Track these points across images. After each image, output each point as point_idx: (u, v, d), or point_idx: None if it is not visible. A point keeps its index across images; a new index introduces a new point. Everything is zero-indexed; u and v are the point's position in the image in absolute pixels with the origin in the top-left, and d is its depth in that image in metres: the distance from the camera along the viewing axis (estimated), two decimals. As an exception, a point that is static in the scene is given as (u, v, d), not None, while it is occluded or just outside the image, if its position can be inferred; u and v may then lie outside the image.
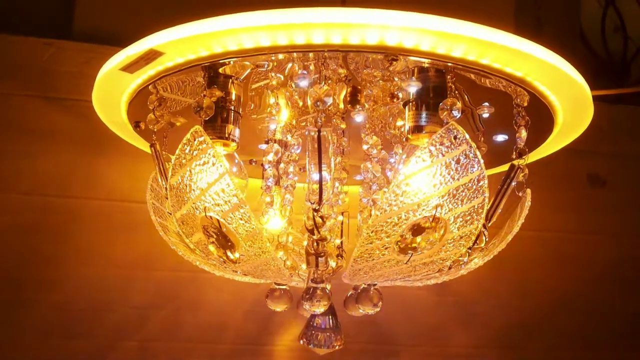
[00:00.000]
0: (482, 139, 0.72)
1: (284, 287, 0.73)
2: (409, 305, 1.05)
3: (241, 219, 0.59)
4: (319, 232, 0.62)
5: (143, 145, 0.84)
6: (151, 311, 0.96)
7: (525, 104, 0.65)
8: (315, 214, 0.61)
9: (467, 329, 1.08)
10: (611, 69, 1.34)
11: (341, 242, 0.76)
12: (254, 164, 0.89)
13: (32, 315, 0.92)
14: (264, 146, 0.76)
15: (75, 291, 0.93)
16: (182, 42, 0.57)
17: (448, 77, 0.62)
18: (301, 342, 0.74)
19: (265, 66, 0.65)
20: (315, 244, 0.62)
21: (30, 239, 0.93)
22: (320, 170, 0.65)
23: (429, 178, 0.58)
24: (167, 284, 0.97)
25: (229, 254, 0.64)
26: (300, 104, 0.71)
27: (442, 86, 0.63)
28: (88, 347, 0.93)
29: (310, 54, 0.59)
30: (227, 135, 0.67)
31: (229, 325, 0.99)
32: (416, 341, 1.05)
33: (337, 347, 0.74)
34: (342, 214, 0.77)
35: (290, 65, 0.65)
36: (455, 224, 0.60)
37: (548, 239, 1.13)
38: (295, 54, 0.59)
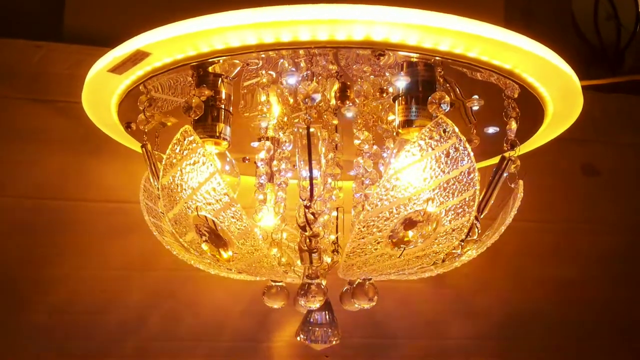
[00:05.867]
0: (475, 131, 0.72)
1: (280, 284, 0.74)
2: (406, 298, 1.06)
3: (233, 217, 0.59)
4: (310, 229, 0.62)
5: (136, 146, 0.84)
6: (149, 311, 0.96)
7: (516, 96, 0.65)
8: (307, 210, 0.61)
9: (465, 321, 1.08)
10: (605, 58, 1.34)
11: (336, 238, 0.76)
12: (247, 161, 0.89)
13: (29, 317, 0.92)
14: (256, 144, 0.76)
15: (73, 293, 0.93)
16: (168, 43, 0.57)
17: (437, 70, 0.62)
18: (298, 338, 0.74)
19: (259, 64, 0.64)
20: (307, 240, 0.62)
21: (25, 242, 0.93)
22: (310, 167, 0.65)
23: (419, 172, 0.58)
24: (164, 283, 0.97)
25: (222, 252, 0.64)
26: (291, 101, 0.71)
27: (431, 80, 0.63)
28: (87, 348, 0.93)
29: (301, 51, 0.59)
30: (217, 134, 0.67)
31: (227, 323, 0.99)
32: (414, 334, 1.06)
33: (334, 342, 0.74)
34: (337, 209, 0.77)
35: (281, 62, 0.65)
36: (447, 217, 0.60)
37: (545, 230, 1.13)
38: (284, 51, 0.59)
